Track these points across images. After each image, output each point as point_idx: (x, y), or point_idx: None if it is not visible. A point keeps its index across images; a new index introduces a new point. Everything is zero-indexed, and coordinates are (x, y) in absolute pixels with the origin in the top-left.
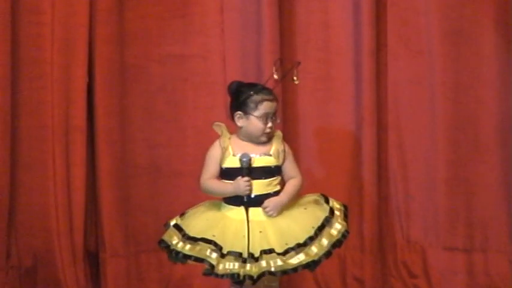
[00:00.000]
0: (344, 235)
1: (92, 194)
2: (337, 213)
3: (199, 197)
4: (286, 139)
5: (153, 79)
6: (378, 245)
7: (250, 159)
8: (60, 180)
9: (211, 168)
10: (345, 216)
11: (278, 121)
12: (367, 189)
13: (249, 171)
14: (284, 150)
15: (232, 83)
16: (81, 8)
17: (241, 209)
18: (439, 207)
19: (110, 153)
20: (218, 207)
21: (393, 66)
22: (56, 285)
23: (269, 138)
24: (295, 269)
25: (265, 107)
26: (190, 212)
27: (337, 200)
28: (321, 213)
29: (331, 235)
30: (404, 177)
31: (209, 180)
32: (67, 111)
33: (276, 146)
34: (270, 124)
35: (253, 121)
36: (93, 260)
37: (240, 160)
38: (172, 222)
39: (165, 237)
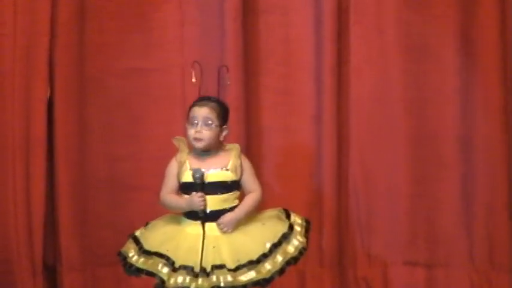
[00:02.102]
0: (301, 252)
1: (51, 207)
2: (297, 228)
3: (159, 211)
4: (248, 154)
5: (113, 92)
6: (337, 259)
7: (202, 175)
8: (20, 191)
9: (169, 182)
10: (306, 232)
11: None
12: (327, 204)
13: (203, 186)
14: (241, 165)
15: None
16: (42, 20)
17: (198, 223)
18: (401, 222)
19: (68, 165)
20: (178, 221)
21: (356, 82)
22: None
23: (204, 145)
24: (244, 286)
25: (192, 112)
26: (152, 224)
27: (299, 215)
28: (280, 229)
29: (286, 252)
30: (366, 192)
31: (167, 195)
32: (27, 122)
33: (233, 160)
34: (197, 128)
35: (187, 130)
36: (51, 273)
37: (193, 176)
38: (137, 233)
39: (123, 249)
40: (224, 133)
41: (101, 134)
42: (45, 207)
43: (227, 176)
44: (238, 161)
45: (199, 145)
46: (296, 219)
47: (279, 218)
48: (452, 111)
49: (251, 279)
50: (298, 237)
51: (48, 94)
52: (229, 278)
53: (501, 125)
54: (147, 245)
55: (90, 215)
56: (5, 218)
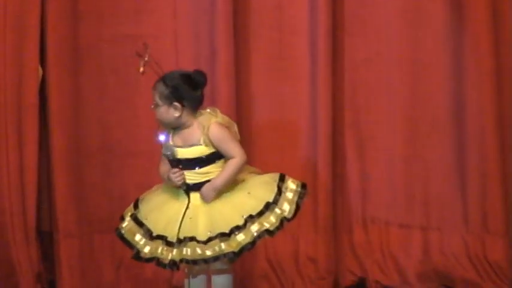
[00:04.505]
0: (282, 221)
1: (46, 174)
2: (288, 195)
3: (153, 177)
4: (240, 120)
5: (106, 59)
6: (332, 224)
7: (173, 151)
8: (12, 159)
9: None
10: (301, 197)
11: (151, 107)
12: (321, 168)
13: (177, 162)
14: (209, 139)
15: None
16: None
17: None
18: (396, 186)
19: (62, 132)
20: (175, 189)
21: (350, 45)
22: (9, 265)
23: (162, 124)
24: (212, 259)
25: None
26: (155, 188)
27: (295, 180)
28: (265, 198)
29: (263, 224)
30: (361, 156)
31: (161, 167)
32: (19, 89)
33: (204, 136)
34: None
35: None
36: (48, 240)
37: (164, 153)
38: (141, 196)
39: (125, 211)
40: (176, 111)
41: (94, 101)
42: (38, 175)
43: (200, 151)
44: (207, 136)
45: (162, 125)
46: (290, 184)
47: (269, 184)
48: (445, 74)
49: (219, 252)
50: (285, 204)
51: (41, 73)
52: (198, 251)
53: (492, 89)
54: (140, 212)
55: (85, 182)
56: None
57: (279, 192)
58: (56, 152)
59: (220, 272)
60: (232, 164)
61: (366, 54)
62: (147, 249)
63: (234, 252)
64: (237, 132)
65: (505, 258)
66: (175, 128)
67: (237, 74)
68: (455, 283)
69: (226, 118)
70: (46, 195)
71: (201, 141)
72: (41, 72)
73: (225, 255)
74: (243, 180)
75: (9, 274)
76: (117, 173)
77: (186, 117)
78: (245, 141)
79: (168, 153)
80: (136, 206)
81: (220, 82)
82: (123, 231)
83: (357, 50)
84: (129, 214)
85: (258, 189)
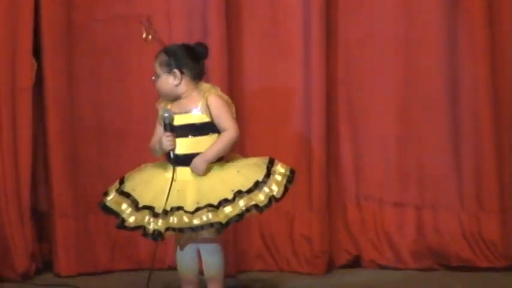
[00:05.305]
0: (270, 200)
1: (42, 154)
2: (277, 177)
3: (146, 157)
4: (232, 98)
5: (99, 39)
6: (326, 203)
7: (170, 116)
8: (6, 141)
9: (156, 129)
10: (289, 182)
11: (153, 78)
12: (315, 147)
13: (172, 128)
14: (207, 106)
15: None
16: None
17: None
18: (390, 164)
19: (57, 113)
20: (162, 166)
21: (344, 23)
22: (4, 245)
23: (161, 96)
24: (199, 227)
25: None
26: (142, 166)
27: (284, 164)
28: (254, 177)
29: (252, 199)
30: (355, 135)
31: (153, 139)
32: (13, 72)
33: (202, 101)
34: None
35: None
36: (44, 220)
37: (161, 117)
38: (126, 174)
39: (109, 187)
40: (176, 78)
41: (88, 81)
42: (32, 157)
43: (196, 118)
44: (205, 102)
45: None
46: (279, 168)
47: (258, 166)
48: (440, 51)
49: (206, 221)
50: (274, 185)
51: (36, 66)
52: (185, 219)
53: (486, 67)
54: (126, 186)
55: (80, 162)
56: None
57: (268, 173)
58: (51, 133)
59: (207, 240)
60: (225, 136)
61: (360, 33)
62: (132, 219)
63: (220, 223)
64: (234, 113)
65: (500, 236)
66: (174, 100)
67: (229, 53)
68: (449, 261)
69: (226, 97)
70: (43, 176)
71: (199, 107)
72: (35, 65)
73: (212, 225)
74: (232, 160)
75: (4, 254)
76: (112, 153)
77: (185, 87)
78: (238, 121)
79: (166, 115)
80: (121, 183)
81: (213, 61)
82: (108, 203)
83: (351, 28)
84: (114, 190)
85: (247, 170)
